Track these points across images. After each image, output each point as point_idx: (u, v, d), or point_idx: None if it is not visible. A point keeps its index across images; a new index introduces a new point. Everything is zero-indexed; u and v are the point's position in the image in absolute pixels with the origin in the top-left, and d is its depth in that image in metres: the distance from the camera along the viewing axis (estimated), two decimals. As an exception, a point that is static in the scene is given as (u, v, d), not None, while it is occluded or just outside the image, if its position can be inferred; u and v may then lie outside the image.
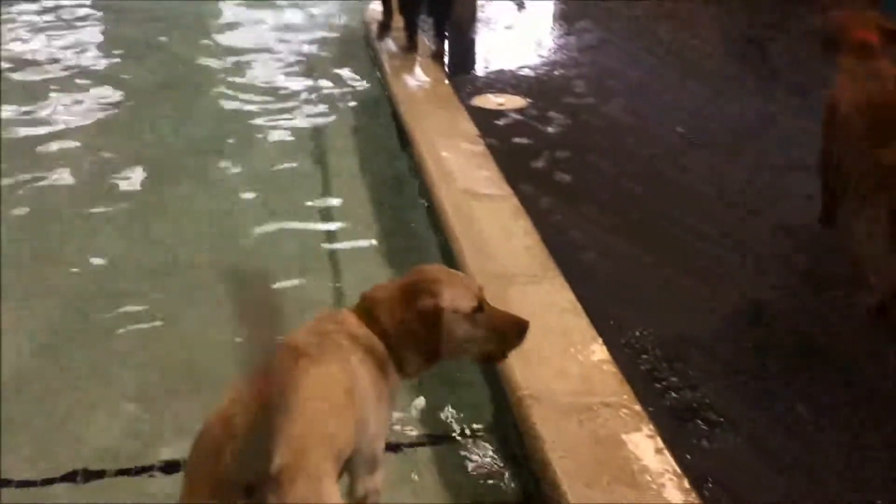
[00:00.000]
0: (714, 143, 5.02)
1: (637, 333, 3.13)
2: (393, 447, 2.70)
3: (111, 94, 6.27)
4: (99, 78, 6.64)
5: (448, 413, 3.02)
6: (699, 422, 2.68)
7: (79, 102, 6.14)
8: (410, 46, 6.62)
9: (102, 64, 7.04)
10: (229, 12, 8.73)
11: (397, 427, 2.85)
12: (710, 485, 2.41)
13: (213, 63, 7.06)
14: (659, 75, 6.20)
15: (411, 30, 6.63)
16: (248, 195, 4.76)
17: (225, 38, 7.74)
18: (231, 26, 8.16)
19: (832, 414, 2.74)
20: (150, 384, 3.17)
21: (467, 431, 2.95)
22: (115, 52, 7.33)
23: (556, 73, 6.19)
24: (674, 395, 2.80)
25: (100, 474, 2.74)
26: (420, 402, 3.04)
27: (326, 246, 4.24)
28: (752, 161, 4.68)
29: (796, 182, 4.26)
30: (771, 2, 7.78)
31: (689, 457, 2.51)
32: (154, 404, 3.06)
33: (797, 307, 3.33)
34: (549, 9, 8.28)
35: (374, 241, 4.26)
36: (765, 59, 6.40)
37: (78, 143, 5.42)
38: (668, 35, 7.16)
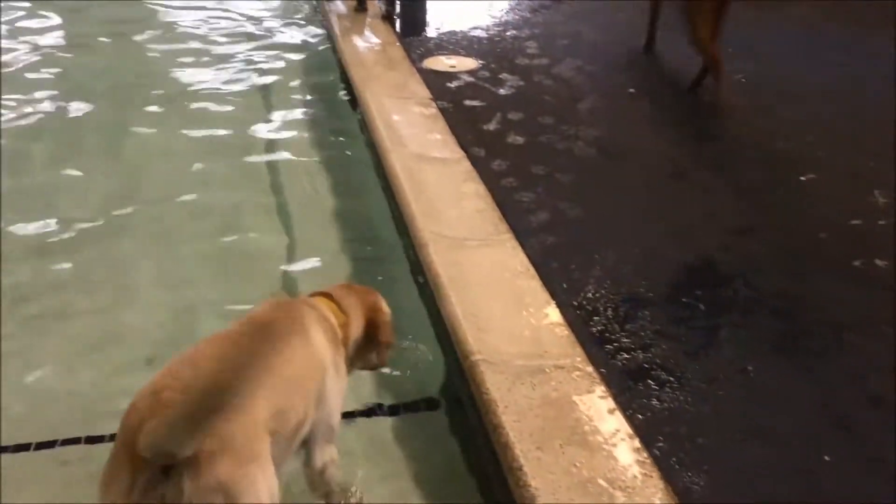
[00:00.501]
0: (667, 103, 5.01)
1: (589, 295, 3.13)
2: (346, 415, 2.66)
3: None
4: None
5: (399, 380, 2.99)
6: (650, 381, 2.69)
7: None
8: (360, 7, 6.49)
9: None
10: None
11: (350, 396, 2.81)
12: (661, 444, 2.42)
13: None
14: (612, 34, 6.16)
15: (361, -11, 6.49)
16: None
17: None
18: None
19: (782, 372, 2.77)
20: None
21: (420, 398, 2.93)
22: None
23: (508, 33, 6.12)
24: (625, 355, 2.81)
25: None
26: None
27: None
28: (704, 117, 4.69)
29: (751, 146, 4.28)
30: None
31: (640, 417, 2.53)
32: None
33: (750, 268, 3.35)
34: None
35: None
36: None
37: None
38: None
